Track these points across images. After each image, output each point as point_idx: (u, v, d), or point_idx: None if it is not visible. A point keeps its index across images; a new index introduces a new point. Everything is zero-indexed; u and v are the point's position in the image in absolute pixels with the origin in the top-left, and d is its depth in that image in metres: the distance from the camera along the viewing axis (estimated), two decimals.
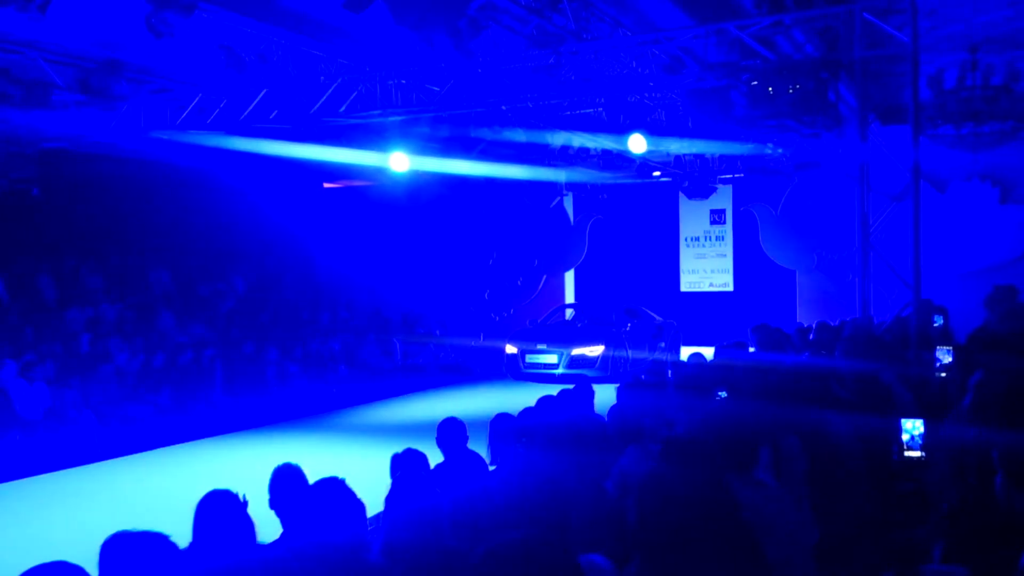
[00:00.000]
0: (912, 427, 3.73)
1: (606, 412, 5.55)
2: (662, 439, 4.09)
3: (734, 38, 9.07)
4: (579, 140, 14.80)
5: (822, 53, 9.30)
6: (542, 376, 15.25)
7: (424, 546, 3.16)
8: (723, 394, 5.27)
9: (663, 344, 17.32)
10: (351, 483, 3.37)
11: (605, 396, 6.85)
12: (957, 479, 3.69)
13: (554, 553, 2.15)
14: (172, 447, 11.44)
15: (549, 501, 2.73)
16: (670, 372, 7.64)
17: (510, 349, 16.16)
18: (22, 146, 12.21)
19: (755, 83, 8.83)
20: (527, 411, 5.69)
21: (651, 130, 11.44)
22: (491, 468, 4.96)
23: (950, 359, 6.20)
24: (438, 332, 18.31)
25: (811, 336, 10.86)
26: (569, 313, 18.48)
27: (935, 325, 8.24)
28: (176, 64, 10.88)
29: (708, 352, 9.15)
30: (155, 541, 3.59)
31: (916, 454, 3.66)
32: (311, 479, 3.85)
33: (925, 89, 11.14)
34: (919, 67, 8.96)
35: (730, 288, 19.91)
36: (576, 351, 15.51)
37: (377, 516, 3.78)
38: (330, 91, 10.69)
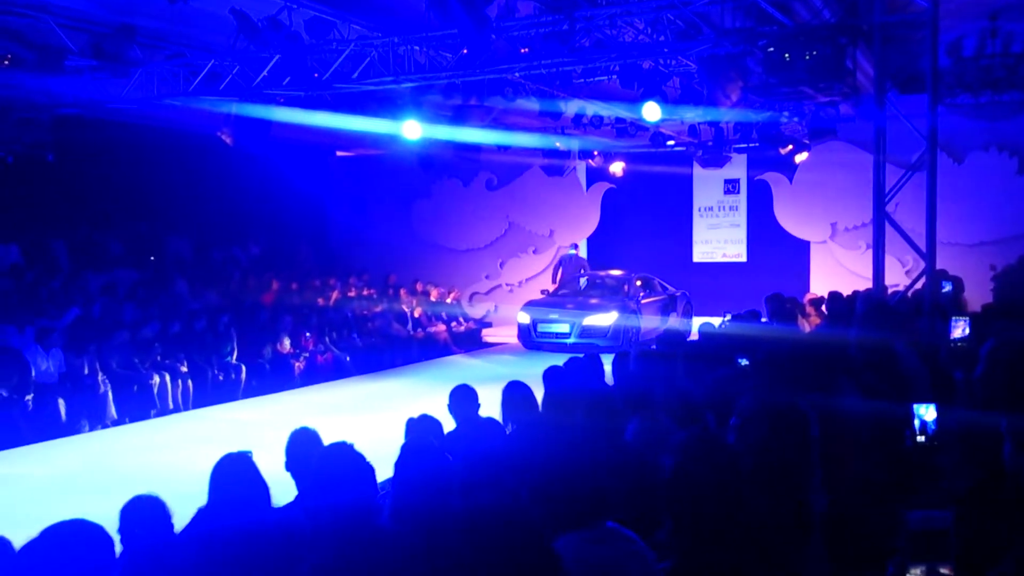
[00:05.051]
0: (924, 412, 3.67)
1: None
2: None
3: (751, 3, 8.94)
4: (593, 108, 14.69)
5: (840, 18, 9.17)
6: (554, 345, 15.27)
7: (433, 509, 3.19)
8: (744, 361, 5.25)
9: (675, 314, 17.30)
10: (366, 450, 3.39)
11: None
12: (970, 460, 3.67)
13: (517, 519, 2.20)
14: (188, 412, 11.56)
15: (564, 464, 2.76)
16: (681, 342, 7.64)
17: (522, 318, 16.17)
18: (36, 111, 12.22)
19: (771, 49, 8.70)
20: (548, 373, 5.74)
21: (665, 98, 11.34)
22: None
23: (966, 329, 6.16)
24: (450, 301, 18.34)
25: (824, 306, 10.84)
26: (582, 283, 18.45)
27: (944, 291, 8.19)
28: (189, 29, 10.83)
29: (718, 323, 9.16)
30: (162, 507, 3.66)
31: (925, 439, 3.62)
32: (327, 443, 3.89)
33: (944, 57, 10.98)
34: (938, 34, 8.82)
35: (743, 259, 19.82)
36: (588, 321, 15.50)
37: (388, 480, 3.81)
38: (343, 57, 10.63)
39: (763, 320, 9.43)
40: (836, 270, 17.96)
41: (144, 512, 3.73)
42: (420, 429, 5.04)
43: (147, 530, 3.66)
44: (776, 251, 19.09)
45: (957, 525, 2.64)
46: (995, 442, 3.03)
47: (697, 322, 13.45)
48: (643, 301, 16.51)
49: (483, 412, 5.55)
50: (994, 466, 3.01)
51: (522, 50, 10.16)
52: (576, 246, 19.73)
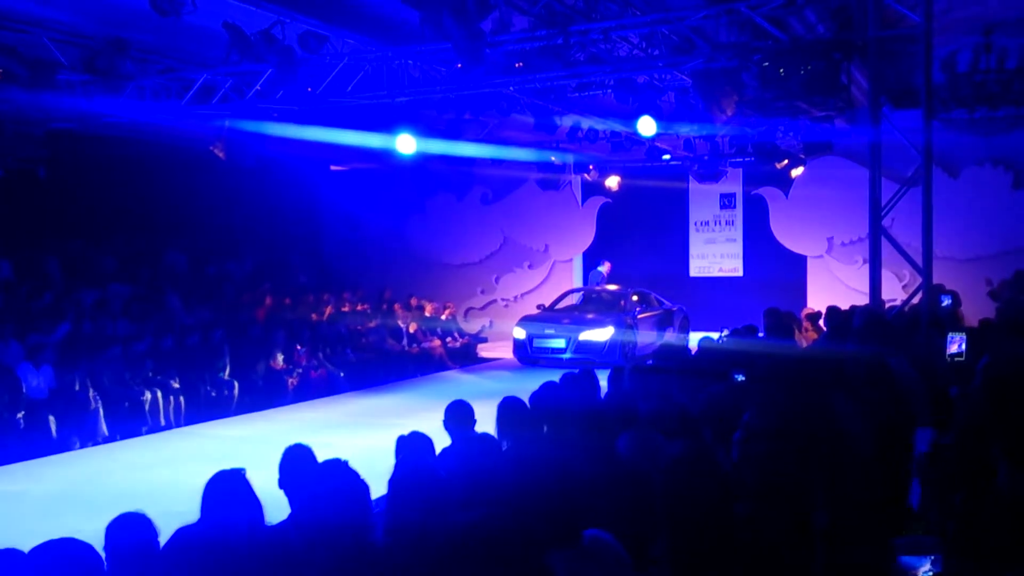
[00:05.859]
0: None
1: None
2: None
3: (746, 18, 8.96)
4: (588, 122, 14.70)
5: (834, 33, 9.19)
6: (550, 361, 15.23)
7: (428, 526, 3.14)
8: (740, 377, 5.22)
9: (672, 329, 17.26)
10: (360, 467, 3.34)
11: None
12: (963, 479, 3.63)
13: (512, 535, 2.16)
14: (180, 429, 11.47)
15: (559, 480, 2.72)
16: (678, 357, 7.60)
17: (518, 334, 16.12)
18: (28, 126, 12.17)
19: (766, 64, 8.71)
20: (535, 394, 5.67)
21: (660, 112, 11.35)
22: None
23: (962, 345, 6.15)
24: (445, 316, 18.28)
25: (822, 321, 10.81)
26: (577, 298, 18.41)
27: (943, 305, 8.19)
28: (182, 43, 10.82)
29: (716, 337, 9.13)
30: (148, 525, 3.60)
31: None
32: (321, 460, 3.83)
33: (938, 72, 11.02)
34: (932, 49, 8.85)
35: (740, 273, 19.82)
36: (584, 336, 15.46)
37: (382, 498, 3.76)
38: (336, 71, 10.62)
39: (760, 335, 9.40)
40: (833, 284, 17.94)
41: (130, 530, 3.67)
42: (411, 447, 4.97)
43: (133, 548, 3.59)
44: (773, 266, 19.08)
45: (947, 545, 2.61)
46: (990, 461, 2.99)
47: (694, 337, 13.40)
48: (639, 316, 16.47)
49: (479, 428, 5.50)
50: (988, 485, 2.97)
51: (516, 64, 10.16)
52: (604, 261, 19.58)
